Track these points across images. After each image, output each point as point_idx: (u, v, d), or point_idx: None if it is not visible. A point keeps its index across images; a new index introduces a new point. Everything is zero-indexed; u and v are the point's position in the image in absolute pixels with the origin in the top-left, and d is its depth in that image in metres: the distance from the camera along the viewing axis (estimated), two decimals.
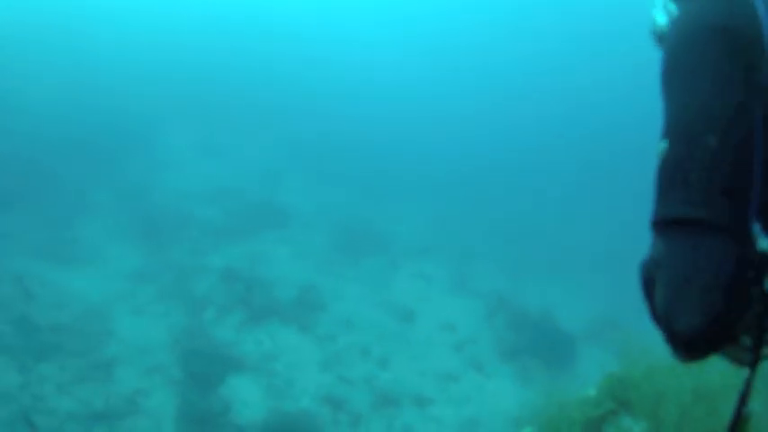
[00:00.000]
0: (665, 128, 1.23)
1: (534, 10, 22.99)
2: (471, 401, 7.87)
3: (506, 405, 7.62)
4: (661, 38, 1.49)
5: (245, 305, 8.51)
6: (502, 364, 8.74)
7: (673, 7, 1.42)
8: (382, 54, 23.51)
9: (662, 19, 1.50)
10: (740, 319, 1.12)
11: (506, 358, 8.84)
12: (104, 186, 10.86)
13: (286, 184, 13.22)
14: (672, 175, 1.18)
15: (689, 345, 1.12)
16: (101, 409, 6.17)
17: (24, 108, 12.13)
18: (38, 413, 5.71)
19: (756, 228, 1.18)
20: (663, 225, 1.17)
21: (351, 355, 8.21)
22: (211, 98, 16.07)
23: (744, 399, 1.26)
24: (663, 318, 1.14)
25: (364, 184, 13.81)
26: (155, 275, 8.80)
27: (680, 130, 1.20)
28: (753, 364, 1.21)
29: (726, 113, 1.17)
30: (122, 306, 7.99)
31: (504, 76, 21.81)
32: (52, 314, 7.30)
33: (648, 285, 1.20)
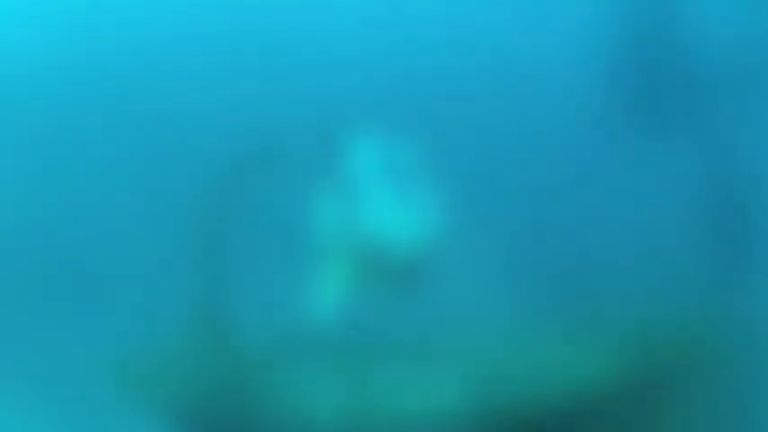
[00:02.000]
0: None
1: None
2: None
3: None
4: None
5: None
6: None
7: None
8: None
9: None
10: None
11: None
12: (102, 121, 10.65)
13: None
14: None
15: None
16: (108, 339, 6.23)
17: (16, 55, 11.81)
18: (40, 352, 5.76)
19: None
20: None
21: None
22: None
23: None
24: None
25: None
26: (160, 204, 8.73)
27: None
28: None
29: None
30: (130, 237, 7.96)
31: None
32: (50, 246, 7.27)
33: None
